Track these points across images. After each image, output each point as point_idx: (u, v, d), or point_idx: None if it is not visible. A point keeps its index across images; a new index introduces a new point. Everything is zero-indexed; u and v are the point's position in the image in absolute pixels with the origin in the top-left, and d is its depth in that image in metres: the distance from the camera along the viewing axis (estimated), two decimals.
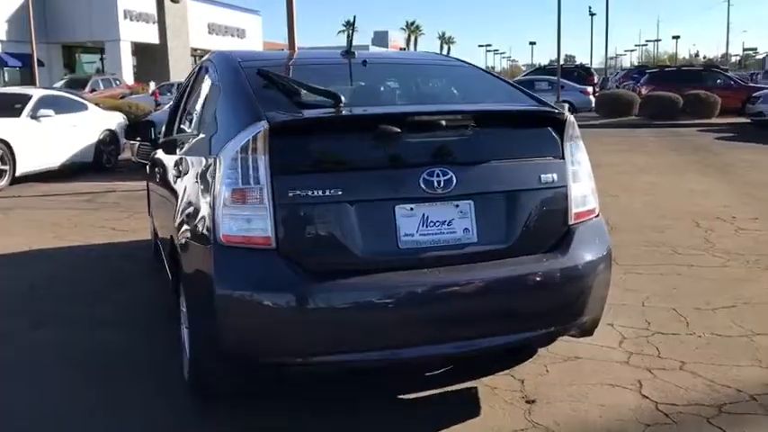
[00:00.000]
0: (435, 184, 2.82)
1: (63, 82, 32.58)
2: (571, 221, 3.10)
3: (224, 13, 48.60)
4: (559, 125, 3.10)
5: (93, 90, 29.50)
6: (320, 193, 2.70)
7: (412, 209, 2.83)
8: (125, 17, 38.86)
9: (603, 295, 3.22)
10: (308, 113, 2.87)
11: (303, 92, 2.99)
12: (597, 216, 3.26)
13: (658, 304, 4.61)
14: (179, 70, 31.95)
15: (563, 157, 3.10)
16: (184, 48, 35.85)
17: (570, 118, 3.12)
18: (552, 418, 3.11)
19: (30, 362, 3.84)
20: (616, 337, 4.02)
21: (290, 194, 2.69)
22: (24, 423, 3.16)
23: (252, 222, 2.68)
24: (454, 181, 2.84)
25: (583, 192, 3.16)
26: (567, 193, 3.09)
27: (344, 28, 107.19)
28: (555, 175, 3.06)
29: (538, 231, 3.04)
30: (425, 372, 3.54)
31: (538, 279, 2.95)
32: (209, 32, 46.02)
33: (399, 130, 2.77)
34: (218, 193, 2.74)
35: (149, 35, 37.17)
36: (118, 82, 32.61)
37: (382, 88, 3.56)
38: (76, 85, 32.14)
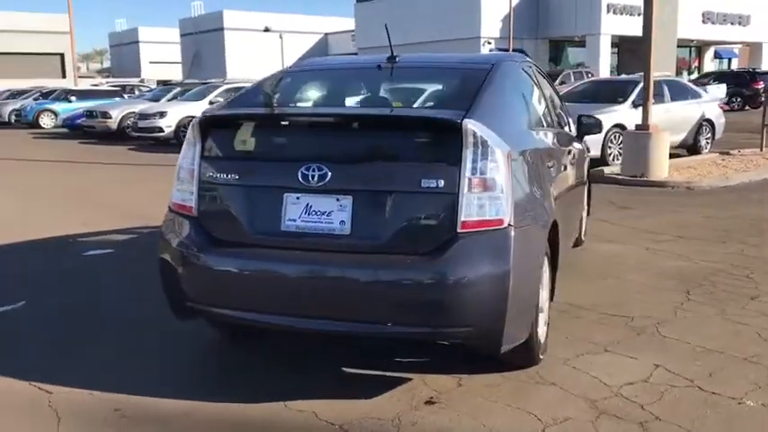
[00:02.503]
0: (310, 177, 3.17)
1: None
2: (459, 229, 3.05)
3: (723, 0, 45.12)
4: (457, 133, 3.06)
5: (562, 83, 31.19)
6: (226, 176, 3.36)
7: (298, 198, 3.24)
8: (608, 11, 39.57)
9: (493, 310, 3.05)
10: (219, 111, 3.51)
11: (260, 94, 3.62)
12: (504, 228, 3.08)
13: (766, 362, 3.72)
14: (661, 62, 31.29)
15: (458, 165, 3.06)
16: (670, 39, 34.83)
17: (467, 127, 3.04)
18: (419, 419, 3.15)
19: None
20: (636, 377, 3.53)
21: (208, 175, 3.40)
22: None
23: (185, 195, 3.47)
24: (329, 176, 3.15)
25: (480, 201, 3.05)
26: (455, 200, 3.05)
27: None
28: (442, 181, 3.05)
29: (415, 233, 3.11)
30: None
31: (394, 278, 3.05)
32: (704, 21, 43.50)
33: (281, 127, 3.24)
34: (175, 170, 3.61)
35: (632, 28, 37.06)
36: (590, 75, 33.72)
37: (359, 93, 3.85)
38: (551, 77, 34.52)
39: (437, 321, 3.08)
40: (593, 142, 12.30)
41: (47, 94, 28.30)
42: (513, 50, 35.50)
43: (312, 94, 3.93)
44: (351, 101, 3.84)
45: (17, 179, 11.95)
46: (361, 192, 3.17)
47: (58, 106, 26.00)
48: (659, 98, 13.03)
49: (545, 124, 4.50)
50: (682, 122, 13.25)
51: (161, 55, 63.86)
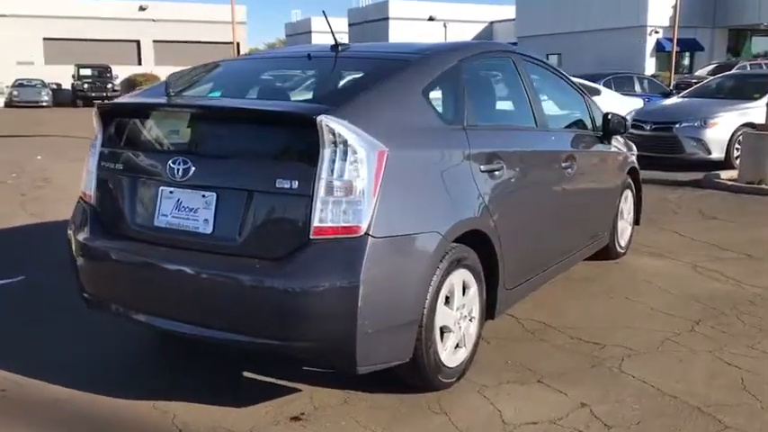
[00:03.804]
0: (175, 171, 3.04)
1: (711, 67, 32.27)
2: (311, 235, 2.78)
3: None
4: (314, 130, 2.77)
5: None
6: (116, 166, 3.31)
7: (172, 192, 3.12)
8: None
9: (340, 326, 2.76)
10: (113, 101, 3.43)
11: (170, 84, 3.50)
12: (359, 237, 2.76)
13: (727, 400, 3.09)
14: None
15: (314, 165, 2.78)
16: None
17: (324, 123, 2.74)
18: None
19: None
20: (545, 416, 3.06)
21: (102, 164, 3.37)
22: None
23: (88, 183, 3.47)
24: (191, 171, 3.00)
25: (336, 206, 2.76)
26: (309, 203, 2.78)
27: None
28: (297, 182, 2.79)
29: (268, 237, 2.88)
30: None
31: (243, 283, 2.85)
32: None
33: (160, 119, 3.15)
34: None
35: None
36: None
37: (266, 83, 3.66)
38: (723, 70, 31.51)
39: (283, 333, 2.83)
40: (717, 143, 11.07)
41: None
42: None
43: (219, 85, 3.76)
44: (248, 92, 3.64)
45: None
46: (224, 189, 2.99)
47: None
48: None
49: (513, 124, 4.05)
50: None
51: None
